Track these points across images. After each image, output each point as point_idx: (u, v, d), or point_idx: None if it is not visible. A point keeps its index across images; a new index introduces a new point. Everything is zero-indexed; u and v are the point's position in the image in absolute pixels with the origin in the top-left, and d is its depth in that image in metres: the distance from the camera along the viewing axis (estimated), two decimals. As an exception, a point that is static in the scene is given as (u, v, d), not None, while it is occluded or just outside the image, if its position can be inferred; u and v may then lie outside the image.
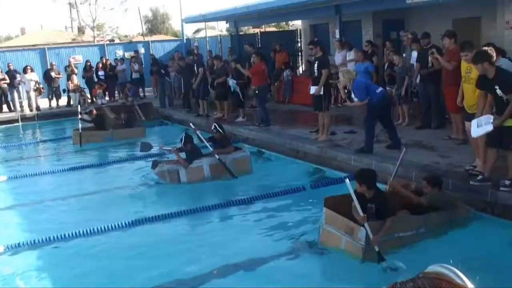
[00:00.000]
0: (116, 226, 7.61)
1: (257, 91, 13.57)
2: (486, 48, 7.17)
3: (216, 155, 9.97)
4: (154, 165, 10.16)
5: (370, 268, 5.87)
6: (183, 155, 10.06)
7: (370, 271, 5.86)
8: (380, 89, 9.75)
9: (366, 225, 5.92)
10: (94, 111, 14.99)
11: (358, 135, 11.11)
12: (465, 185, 7.47)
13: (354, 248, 6.08)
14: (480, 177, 7.26)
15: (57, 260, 6.85)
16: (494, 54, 6.98)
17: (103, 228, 7.53)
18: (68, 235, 7.32)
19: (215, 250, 6.76)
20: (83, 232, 7.41)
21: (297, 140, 11.45)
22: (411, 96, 11.67)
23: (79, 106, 16.85)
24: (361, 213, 5.96)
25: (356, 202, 5.95)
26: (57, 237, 7.28)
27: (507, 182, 7.03)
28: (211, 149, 10.16)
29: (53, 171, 11.61)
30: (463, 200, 7.35)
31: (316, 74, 10.77)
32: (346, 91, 10.17)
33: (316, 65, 10.78)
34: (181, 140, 10.04)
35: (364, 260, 5.96)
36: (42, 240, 7.20)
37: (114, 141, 14.45)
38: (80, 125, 14.35)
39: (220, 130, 10.44)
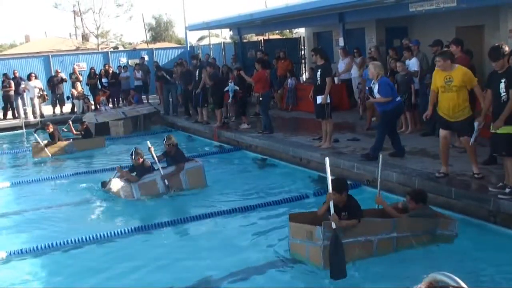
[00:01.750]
0: (87, 239, 7.48)
1: (260, 98, 13.60)
2: (497, 44, 7.21)
3: (165, 181, 9.62)
4: (104, 185, 9.82)
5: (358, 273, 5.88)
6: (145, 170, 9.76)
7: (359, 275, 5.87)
8: (398, 97, 9.81)
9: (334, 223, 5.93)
10: (50, 126, 14.59)
11: (361, 143, 11.12)
12: (467, 194, 7.47)
13: (314, 250, 6.06)
14: (508, 190, 7.13)
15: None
16: (507, 48, 7.06)
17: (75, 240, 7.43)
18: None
19: (211, 257, 6.74)
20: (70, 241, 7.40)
21: (300, 148, 11.46)
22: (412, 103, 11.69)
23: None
24: (332, 211, 6.00)
25: (329, 179, 6.08)
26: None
27: (507, 190, 7.05)
28: (161, 172, 9.65)
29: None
30: (465, 208, 7.35)
31: (318, 82, 10.78)
32: (367, 88, 10.06)
33: (318, 73, 10.78)
34: (132, 154, 9.68)
35: (326, 265, 5.85)
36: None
37: (75, 152, 14.35)
38: (38, 138, 14.33)
39: (134, 156, 9.81)
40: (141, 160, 9.68)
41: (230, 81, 14.99)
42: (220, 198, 9.58)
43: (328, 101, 10.77)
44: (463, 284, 1.86)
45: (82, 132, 15.23)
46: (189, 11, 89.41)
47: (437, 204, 7.76)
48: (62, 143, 14.49)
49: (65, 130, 15.65)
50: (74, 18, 46.08)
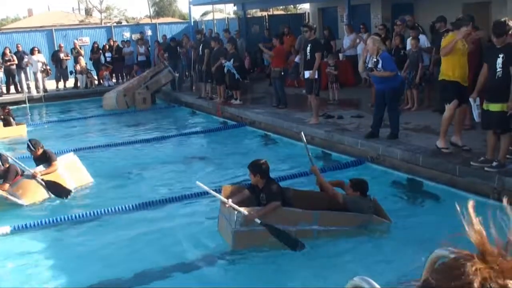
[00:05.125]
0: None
1: (282, 73, 13.60)
2: (503, 19, 7.05)
3: (41, 181, 8.39)
4: None
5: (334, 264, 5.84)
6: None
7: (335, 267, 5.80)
8: (399, 74, 9.71)
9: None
10: None
11: (365, 120, 11.07)
12: (471, 171, 7.44)
13: (228, 231, 6.12)
14: (494, 163, 7.17)
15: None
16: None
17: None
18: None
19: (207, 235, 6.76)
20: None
21: (303, 124, 11.41)
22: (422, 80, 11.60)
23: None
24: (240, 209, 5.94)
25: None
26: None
27: (494, 164, 7.15)
28: (30, 171, 8.45)
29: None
30: (469, 185, 7.33)
31: (308, 57, 10.75)
32: (368, 61, 9.90)
33: (308, 48, 10.77)
34: None
35: (235, 247, 6.00)
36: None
37: None
38: None
39: (33, 147, 8.67)
40: (7, 165, 8.53)
41: (224, 61, 14.58)
42: (226, 174, 9.56)
43: (316, 76, 10.71)
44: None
45: (2, 117, 13.92)
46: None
47: (441, 181, 7.78)
48: None
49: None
50: (77, -8, 45.77)
